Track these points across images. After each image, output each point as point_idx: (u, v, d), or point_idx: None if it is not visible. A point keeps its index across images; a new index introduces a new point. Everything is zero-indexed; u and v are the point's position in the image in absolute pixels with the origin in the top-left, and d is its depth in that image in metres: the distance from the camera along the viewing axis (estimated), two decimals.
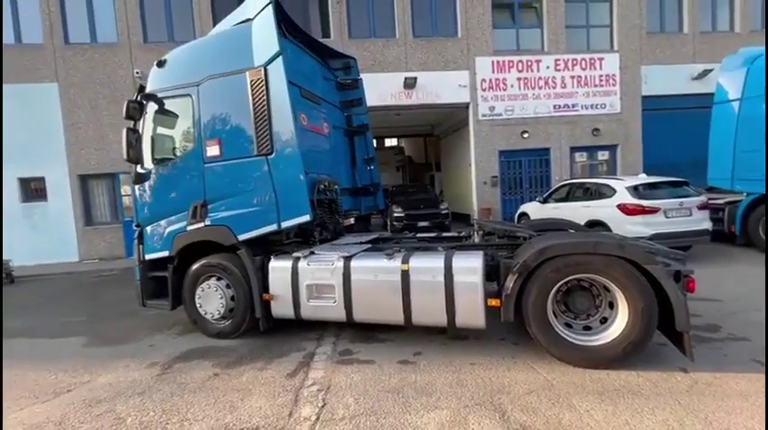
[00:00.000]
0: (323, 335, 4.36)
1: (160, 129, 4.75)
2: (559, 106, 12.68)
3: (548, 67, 12.52)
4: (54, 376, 3.72)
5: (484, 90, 12.41)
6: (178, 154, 4.62)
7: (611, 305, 3.30)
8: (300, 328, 4.44)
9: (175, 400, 3.09)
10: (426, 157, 23.37)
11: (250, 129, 4.08)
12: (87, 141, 11.35)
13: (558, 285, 3.29)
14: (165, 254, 4.56)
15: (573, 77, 12.71)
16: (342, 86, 6.08)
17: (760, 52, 7.24)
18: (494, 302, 3.38)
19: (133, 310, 5.82)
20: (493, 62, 12.36)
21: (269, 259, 4.22)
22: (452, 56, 12.31)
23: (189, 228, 4.40)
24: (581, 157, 13.13)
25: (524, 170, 12.86)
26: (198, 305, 4.43)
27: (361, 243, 4.79)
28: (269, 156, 4.04)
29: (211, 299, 4.35)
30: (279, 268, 4.14)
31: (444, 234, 5.49)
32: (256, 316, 4.20)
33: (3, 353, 4.17)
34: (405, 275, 3.66)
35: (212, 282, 4.38)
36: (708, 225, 6.92)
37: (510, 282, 3.32)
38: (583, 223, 6.64)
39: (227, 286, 4.35)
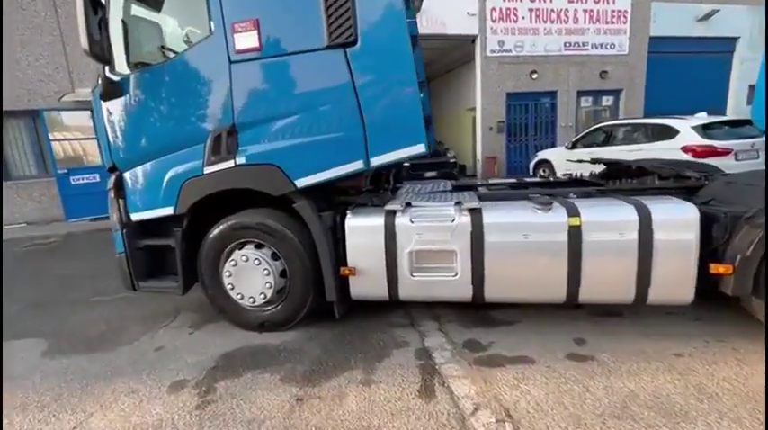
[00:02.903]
0: (414, 318, 3.14)
1: (138, 10, 2.91)
2: (570, 44, 11.56)
3: None
4: (6, 423, 2.19)
5: (493, 21, 10.88)
6: (175, 48, 2.85)
7: None
8: (364, 310, 3.16)
9: None
10: None
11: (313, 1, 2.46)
12: None
13: None
14: (167, 212, 2.94)
15: (585, 12, 11.55)
16: None
17: None
18: (721, 269, 2.32)
19: (104, 291, 4.16)
20: None
21: (343, 215, 2.81)
22: None
23: (208, 169, 2.78)
24: (586, 103, 12.36)
25: (530, 115, 11.87)
26: (228, 286, 2.95)
27: (448, 191, 3.49)
28: (349, 49, 2.49)
29: (250, 276, 2.87)
30: (364, 228, 2.75)
31: (528, 179, 4.31)
32: (327, 298, 2.85)
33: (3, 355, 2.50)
34: (574, 233, 2.47)
35: (249, 251, 2.88)
36: None
37: (748, 241, 2.26)
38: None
39: (274, 256, 2.90)
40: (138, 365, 2.69)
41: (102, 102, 2.90)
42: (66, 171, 8.90)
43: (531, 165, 9.74)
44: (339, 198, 2.98)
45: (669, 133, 6.48)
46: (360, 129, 2.55)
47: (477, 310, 3.13)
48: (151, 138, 2.88)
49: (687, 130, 6.23)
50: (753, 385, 2.10)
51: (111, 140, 2.97)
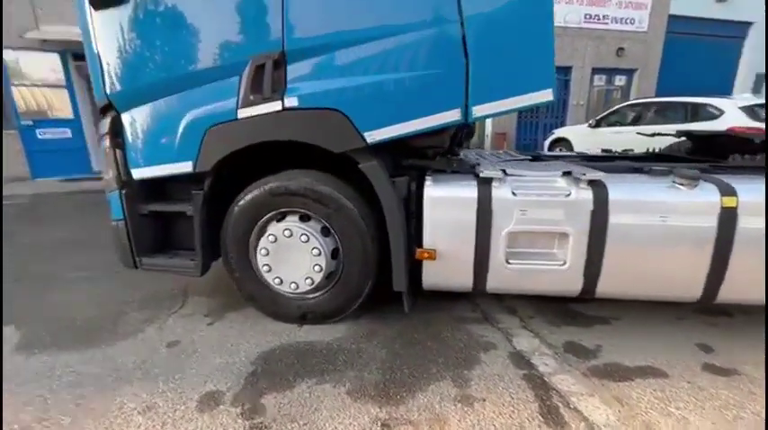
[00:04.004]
0: (485, 311, 2.60)
1: None
2: (590, 16, 10.92)
3: None
4: None
5: None
6: None
7: None
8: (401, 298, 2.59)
9: None
10: None
11: None
12: None
13: None
14: (183, 168, 2.22)
15: None
16: None
17: None
18: None
19: (85, 265, 3.43)
20: None
21: (421, 182, 2.18)
22: None
23: (243, 112, 2.06)
24: (599, 81, 11.87)
25: None
26: (263, 267, 2.30)
27: (527, 159, 2.90)
28: None
29: (294, 256, 2.23)
30: (450, 200, 2.13)
31: (614, 153, 3.72)
32: (395, 288, 2.25)
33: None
34: (727, 217, 1.95)
35: (294, 224, 2.23)
36: None
37: None
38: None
39: (324, 232, 2.27)
40: (150, 367, 2.05)
41: (92, 11, 2.10)
42: (31, 123, 7.75)
43: (547, 143, 9.23)
44: (408, 161, 2.34)
45: (710, 113, 6.06)
46: (460, 66, 1.88)
47: (554, 303, 2.63)
48: (163, 64, 2.11)
49: (734, 111, 5.81)
50: None
51: (104, 67, 2.18)
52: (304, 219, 2.28)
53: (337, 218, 2.21)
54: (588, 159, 3.11)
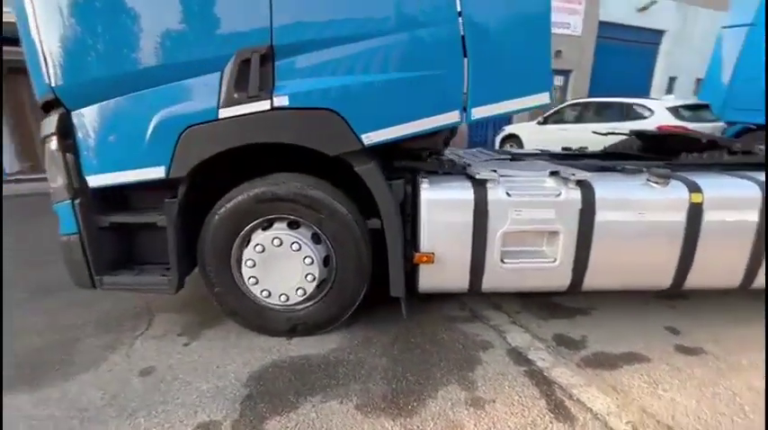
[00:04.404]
0: (473, 309, 2.63)
1: None
2: None
3: None
4: None
5: None
6: None
7: None
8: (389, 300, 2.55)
9: None
10: None
11: None
12: None
13: None
14: (153, 174, 1.96)
15: None
16: None
17: None
18: None
19: (19, 285, 2.96)
20: None
21: (417, 184, 2.13)
22: None
23: (225, 112, 1.87)
24: None
25: None
26: (249, 280, 2.12)
27: (505, 160, 2.97)
28: None
29: (284, 265, 2.08)
30: (447, 202, 2.11)
31: (573, 151, 3.93)
32: (392, 293, 2.19)
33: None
34: (694, 212, 2.14)
35: (283, 232, 2.07)
36: None
37: None
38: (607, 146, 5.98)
39: (315, 239, 2.14)
40: (124, 402, 1.80)
41: None
42: None
43: (498, 139, 9.66)
44: (401, 163, 2.28)
45: (642, 113, 6.71)
46: (459, 67, 1.86)
47: (537, 298, 2.74)
48: (129, 54, 1.83)
49: (662, 111, 6.48)
50: None
51: (48, 56, 1.84)
52: (292, 226, 2.14)
53: (330, 223, 2.09)
54: (558, 157, 3.26)
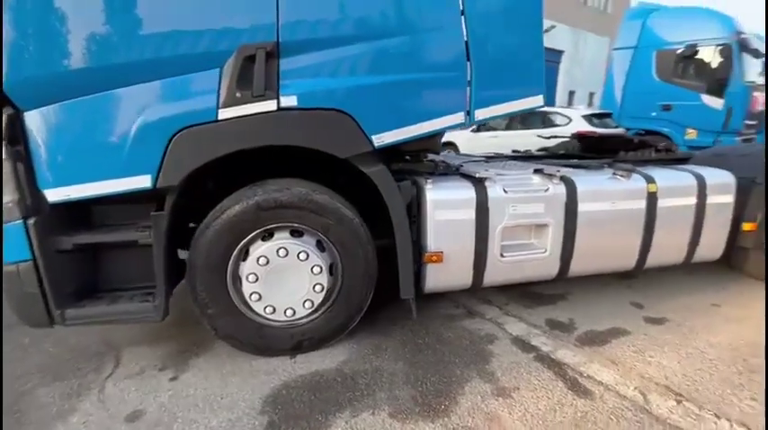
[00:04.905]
0: (465, 305, 2.71)
1: None
2: None
3: None
4: None
5: None
6: None
7: None
8: (389, 306, 2.50)
9: None
10: None
11: None
12: None
13: None
14: (137, 184, 1.70)
15: None
16: None
17: (655, 7, 8.60)
18: (749, 226, 2.69)
19: None
20: None
21: (421, 186, 2.14)
22: None
23: (226, 112, 1.69)
24: None
25: None
26: (251, 296, 1.93)
27: (481, 161, 3.14)
28: None
29: (290, 277, 1.94)
30: (451, 202, 2.16)
31: (536, 152, 4.26)
32: (403, 296, 2.15)
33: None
34: (651, 200, 2.48)
35: (287, 241, 1.93)
36: None
37: (764, 202, 2.67)
38: (534, 150, 6.72)
39: (319, 246, 2.03)
40: None
41: None
42: None
43: None
44: (399, 165, 2.28)
45: (563, 120, 7.60)
46: (464, 70, 1.94)
47: (518, 289, 2.92)
48: (108, 44, 1.57)
49: (578, 119, 7.41)
50: None
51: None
52: (296, 233, 2.01)
53: (337, 229, 2.00)
54: (522, 159, 3.54)
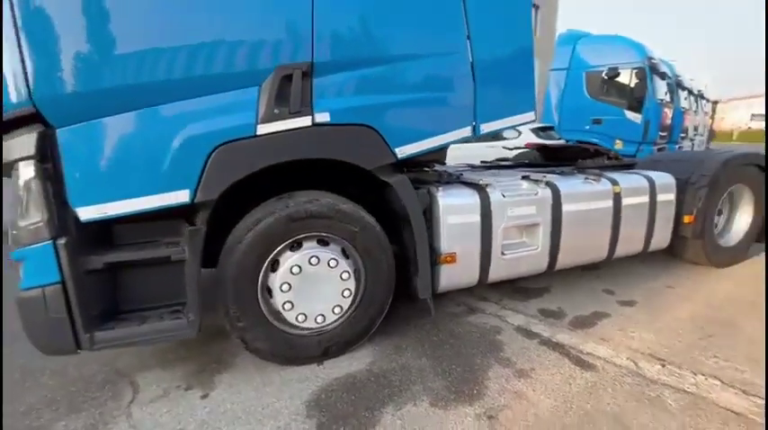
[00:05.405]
0: (465, 303, 2.93)
1: None
2: None
3: None
4: None
5: None
6: None
7: None
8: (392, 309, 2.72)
9: None
10: None
11: None
12: None
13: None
14: (176, 199, 1.70)
15: None
16: None
17: (583, 33, 9.80)
18: (688, 219, 3.23)
19: None
20: None
21: (432, 193, 2.33)
22: None
23: (265, 127, 1.77)
24: None
25: None
26: (284, 305, 1.98)
27: (467, 170, 3.43)
28: None
29: (321, 285, 2.02)
30: (460, 206, 2.38)
31: (506, 163, 4.64)
32: (420, 296, 2.30)
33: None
34: (617, 199, 2.90)
35: (318, 250, 2.02)
36: None
37: (699, 196, 3.24)
38: (491, 160, 7.37)
39: (344, 253, 2.14)
40: None
41: None
42: None
43: None
44: (408, 175, 2.46)
45: (513, 134, 8.32)
46: (471, 89, 2.19)
47: (507, 285, 3.21)
48: (151, 62, 1.59)
49: (527, 131, 8.15)
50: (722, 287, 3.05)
51: (27, 56, 1.45)
52: (322, 242, 2.10)
53: (362, 237, 2.13)
54: (497, 168, 3.91)
